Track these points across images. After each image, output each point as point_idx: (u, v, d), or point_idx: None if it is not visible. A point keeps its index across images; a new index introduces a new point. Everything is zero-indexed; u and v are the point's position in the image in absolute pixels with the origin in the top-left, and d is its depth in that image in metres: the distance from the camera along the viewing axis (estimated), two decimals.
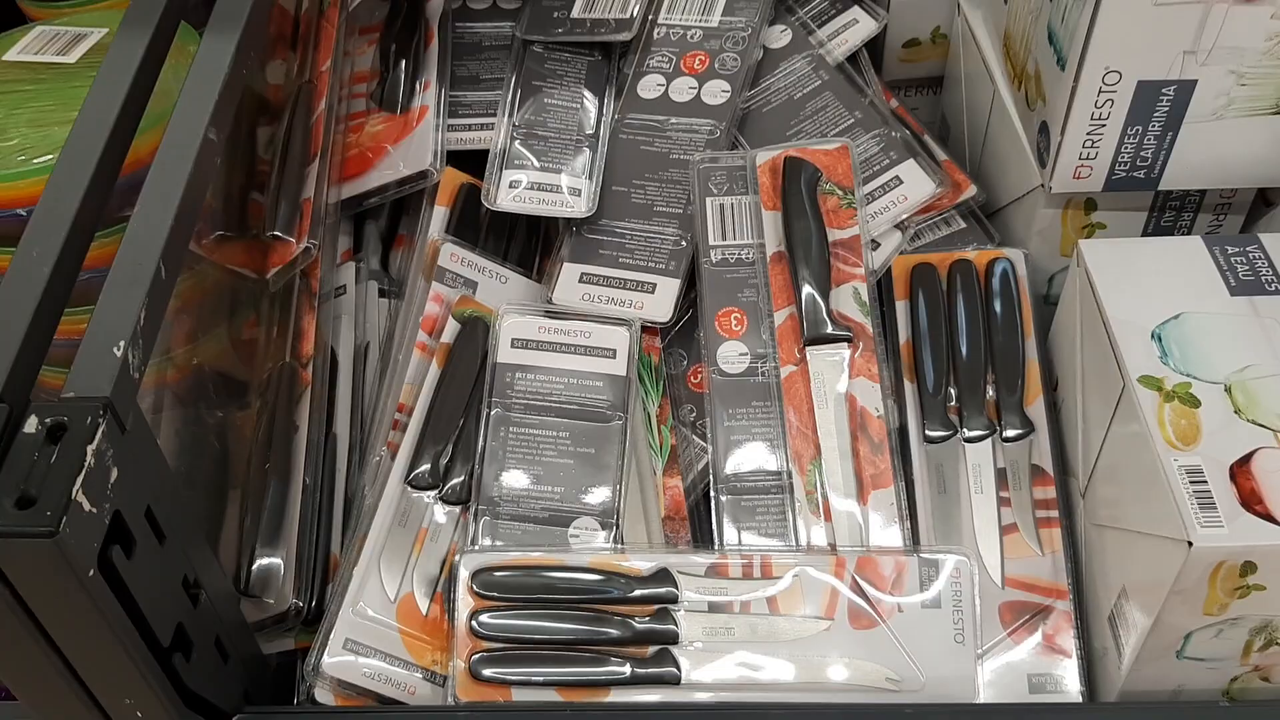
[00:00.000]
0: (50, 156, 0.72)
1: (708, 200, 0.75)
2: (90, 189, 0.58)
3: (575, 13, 0.85)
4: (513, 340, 0.72)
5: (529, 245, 0.81)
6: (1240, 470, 0.56)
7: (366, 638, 0.64)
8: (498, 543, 0.67)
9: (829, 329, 0.70)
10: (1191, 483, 0.56)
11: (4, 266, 0.76)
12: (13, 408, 0.49)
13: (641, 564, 0.65)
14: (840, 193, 0.74)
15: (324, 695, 0.64)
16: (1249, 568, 0.55)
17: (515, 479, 0.69)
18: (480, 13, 0.90)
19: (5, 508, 0.46)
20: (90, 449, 0.48)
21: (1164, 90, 0.67)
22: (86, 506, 0.47)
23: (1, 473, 0.47)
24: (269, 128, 0.79)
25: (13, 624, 0.49)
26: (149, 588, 0.52)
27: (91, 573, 0.48)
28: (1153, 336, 0.62)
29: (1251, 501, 0.55)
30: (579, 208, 0.76)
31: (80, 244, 0.57)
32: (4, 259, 0.75)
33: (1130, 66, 0.66)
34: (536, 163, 0.78)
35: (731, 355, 0.71)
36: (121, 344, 0.51)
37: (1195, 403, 0.59)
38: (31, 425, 0.49)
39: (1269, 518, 0.54)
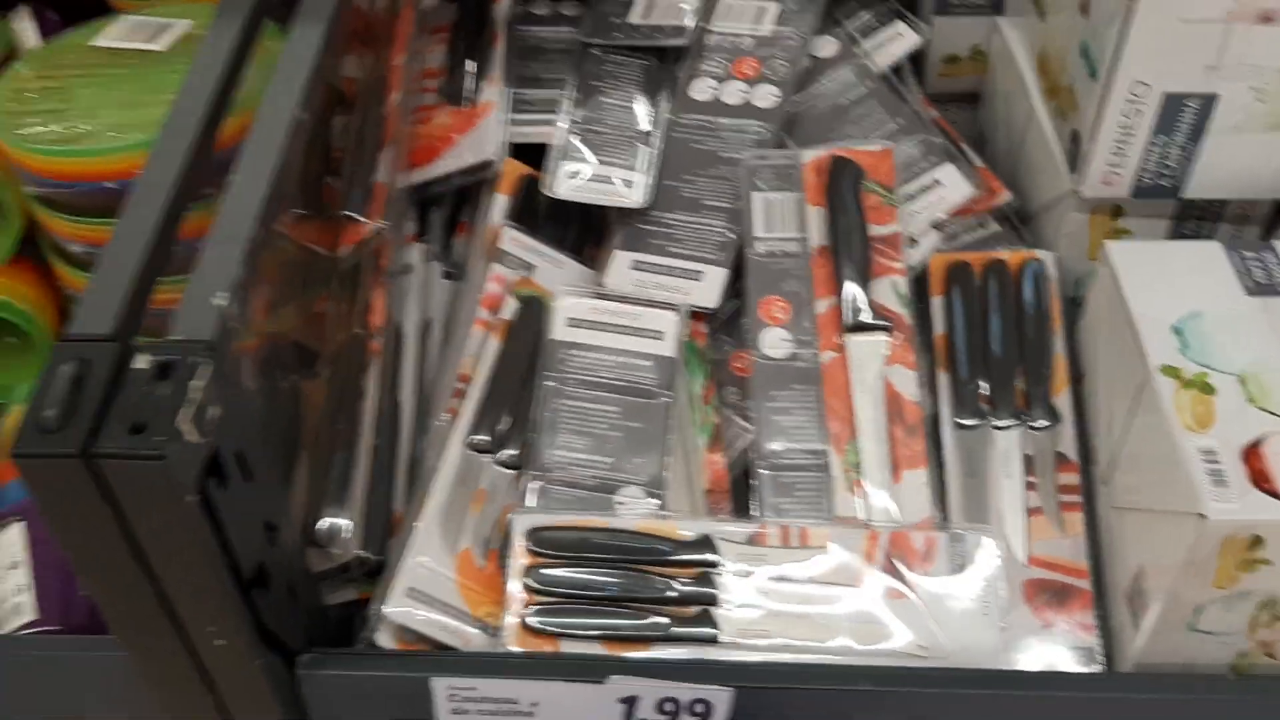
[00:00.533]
0: (139, 135, 0.77)
1: (755, 195, 0.80)
2: (189, 160, 0.63)
3: (633, 19, 0.90)
4: (568, 320, 0.77)
5: (583, 234, 0.86)
6: (1251, 452, 0.60)
7: (427, 588, 0.68)
8: (550, 505, 0.71)
9: (868, 318, 0.74)
10: (1206, 462, 0.60)
11: (92, 235, 0.82)
12: (123, 346, 0.54)
13: (685, 530, 0.69)
14: (882, 191, 0.78)
15: (384, 640, 0.68)
16: (1257, 542, 0.58)
17: (567, 448, 0.73)
18: (543, 18, 0.95)
19: (119, 433, 0.51)
20: (194, 385, 0.52)
21: (1188, 102, 0.71)
22: (190, 437, 0.52)
23: (116, 403, 0.52)
24: (344, 117, 0.84)
25: (115, 545, 0.54)
26: (237, 522, 0.57)
27: (192, 498, 0.52)
28: (1173, 330, 0.66)
29: (1260, 480, 0.59)
30: (634, 198, 0.81)
31: (179, 208, 0.62)
32: (92, 229, 0.81)
33: (1157, 78, 0.71)
34: (594, 156, 0.83)
35: (774, 341, 0.75)
36: (222, 294, 0.56)
37: (1211, 390, 0.63)
38: (143, 362, 0.53)
39: (1276, 495, 0.58)
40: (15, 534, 0.72)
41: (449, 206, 0.89)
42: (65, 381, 0.52)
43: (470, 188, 0.88)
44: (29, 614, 0.69)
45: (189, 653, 0.60)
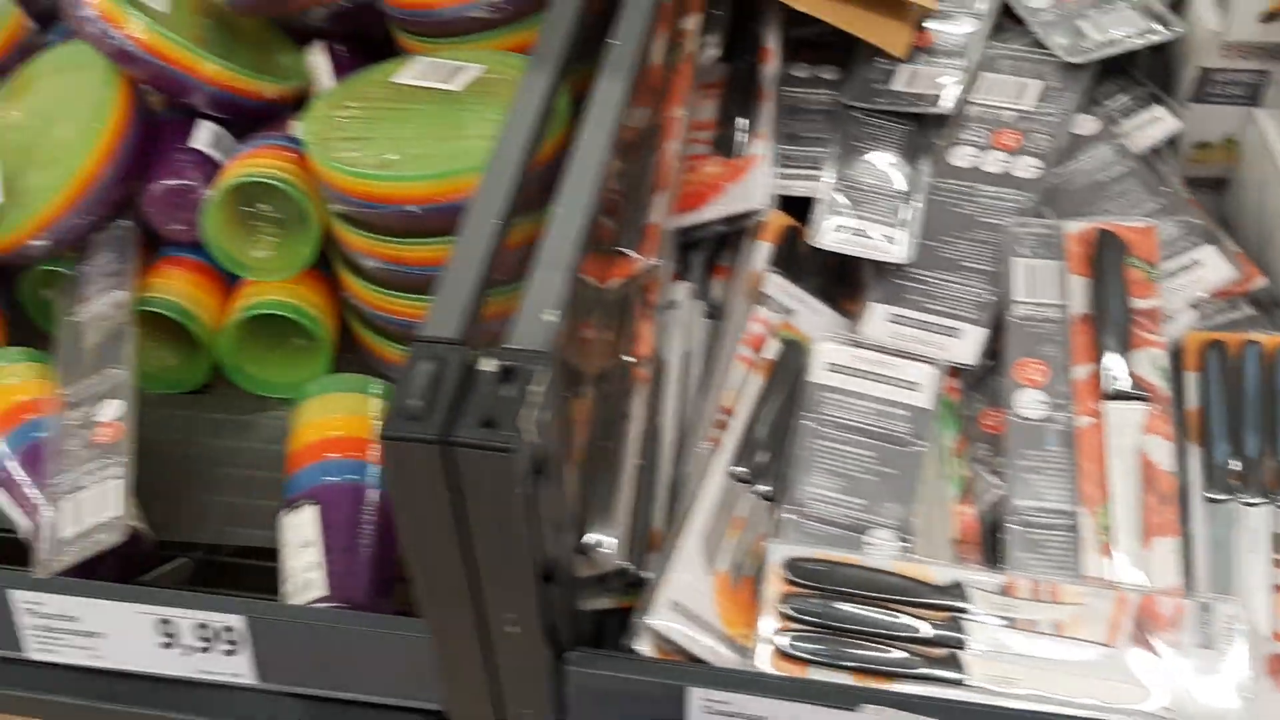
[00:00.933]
0: (440, 166, 0.84)
1: (1017, 260, 0.83)
2: (513, 189, 0.70)
3: (896, 86, 0.94)
4: (828, 365, 0.81)
5: (839, 286, 0.90)
6: None
7: (687, 602, 0.72)
8: (801, 539, 0.75)
9: (1127, 387, 0.76)
10: None
11: (388, 253, 0.89)
12: (468, 350, 0.60)
13: (937, 575, 0.71)
14: (1145, 267, 0.81)
15: (643, 648, 0.72)
16: None
17: (821, 485, 0.77)
18: (803, 80, 1.00)
19: (472, 426, 0.57)
20: (534, 390, 0.58)
21: None
22: (529, 435, 0.57)
23: (470, 400, 0.58)
24: (622, 161, 0.90)
25: (447, 525, 0.59)
26: (547, 518, 0.62)
27: (521, 490, 0.58)
28: None
29: None
30: (897, 254, 0.85)
31: (505, 231, 0.68)
32: (388, 247, 0.88)
33: None
34: (857, 211, 0.87)
35: (1030, 402, 0.78)
36: (551, 312, 0.62)
37: None
38: (490, 365, 0.59)
39: None
40: (309, 515, 0.78)
41: (708, 250, 0.94)
42: (426, 377, 0.58)
43: (728, 234, 0.93)
44: (319, 589, 0.75)
45: (481, 637, 0.65)
